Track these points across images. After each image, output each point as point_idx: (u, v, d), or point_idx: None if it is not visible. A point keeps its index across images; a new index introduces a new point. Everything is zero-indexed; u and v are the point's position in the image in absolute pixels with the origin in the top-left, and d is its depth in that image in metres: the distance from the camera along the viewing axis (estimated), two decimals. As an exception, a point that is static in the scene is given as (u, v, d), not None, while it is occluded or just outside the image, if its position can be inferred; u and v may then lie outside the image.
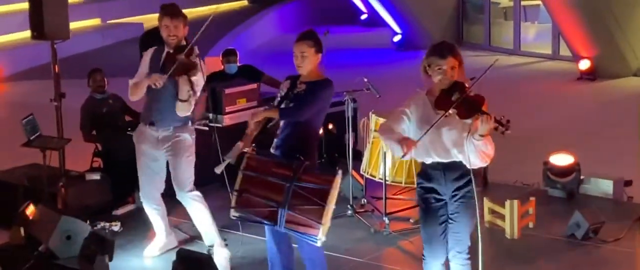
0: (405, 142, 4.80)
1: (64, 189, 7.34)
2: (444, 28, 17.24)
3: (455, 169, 5.00)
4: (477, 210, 5.06)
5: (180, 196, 6.48)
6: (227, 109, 8.11)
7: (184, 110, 6.30)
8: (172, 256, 5.86)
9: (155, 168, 6.50)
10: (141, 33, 9.55)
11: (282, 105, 5.58)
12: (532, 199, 7.31)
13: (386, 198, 7.27)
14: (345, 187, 7.36)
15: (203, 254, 6.03)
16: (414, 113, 4.99)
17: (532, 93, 13.51)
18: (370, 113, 7.42)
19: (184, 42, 6.41)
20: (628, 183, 7.97)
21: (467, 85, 4.90)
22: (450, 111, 4.80)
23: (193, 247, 6.54)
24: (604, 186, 7.92)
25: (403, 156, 4.82)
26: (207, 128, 7.86)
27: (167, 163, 6.48)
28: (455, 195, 5.05)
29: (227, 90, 8.14)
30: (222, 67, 9.15)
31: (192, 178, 6.48)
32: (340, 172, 5.30)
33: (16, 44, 16.33)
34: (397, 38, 17.67)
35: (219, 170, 5.61)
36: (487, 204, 7.29)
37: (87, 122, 8.38)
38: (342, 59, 15.28)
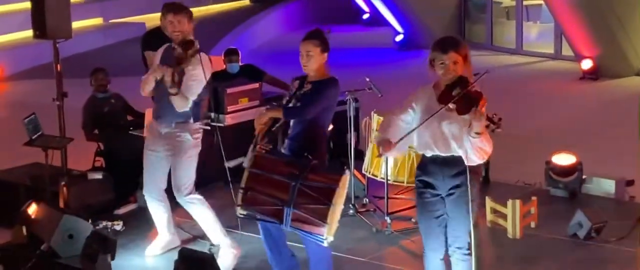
0: (383, 144, 5.00)
1: (66, 188, 7.34)
2: (446, 27, 17.22)
3: (454, 165, 5.01)
4: (472, 207, 5.05)
5: (178, 199, 6.46)
6: (229, 109, 8.12)
7: (177, 104, 6.22)
8: (174, 255, 5.86)
9: (157, 162, 6.47)
10: (143, 32, 9.52)
11: (289, 105, 5.59)
12: (534, 198, 7.30)
13: (388, 197, 7.28)
14: (347, 186, 7.35)
15: (205, 253, 6.03)
16: (419, 105, 5.03)
17: (534, 93, 13.51)
18: (372, 113, 7.42)
19: (191, 38, 6.35)
20: (630, 183, 7.96)
21: (470, 81, 4.90)
22: (450, 106, 4.81)
23: (196, 247, 6.54)
24: (606, 186, 7.92)
25: (379, 156, 5.16)
26: (208, 127, 7.85)
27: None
28: (451, 192, 5.07)
29: (229, 90, 8.15)
30: (224, 66, 9.15)
31: (191, 181, 6.42)
32: (348, 171, 5.31)
33: (18, 43, 16.34)
34: (399, 37, 17.66)
35: (230, 164, 5.61)
36: (489, 203, 7.29)
37: (89, 122, 8.38)
38: (344, 59, 15.27)
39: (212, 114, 8.11)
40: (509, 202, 7.01)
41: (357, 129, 8.02)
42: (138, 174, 7.59)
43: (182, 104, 6.24)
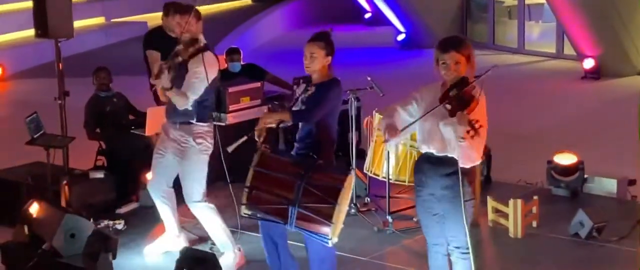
0: (389, 130, 4.95)
1: (67, 187, 7.34)
2: (448, 27, 17.20)
3: (446, 165, 5.03)
4: (466, 207, 5.05)
5: (188, 205, 6.39)
6: (231, 108, 8.11)
7: (176, 101, 6.16)
8: (176, 254, 5.86)
9: (163, 163, 6.43)
10: (145, 32, 9.53)
11: (295, 108, 5.60)
12: (536, 198, 7.31)
13: (389, 197, 7.28)
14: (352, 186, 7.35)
15: (207, 253, 6.03)
16: (424, 99, 5.05)
17: (536, 92, 13.50)
18: (373, 112, 7.42)
19: (202, 38, 6.30)
20: (632, 182, 7.96)
21: (470, 82, 4.90)
22: (447, 106, 4.82)
23: (199, 246, 6.54)
24: (608, 185, 7.91)
25: (385, 142, 5.01)
26: (209, 129, 7.84)
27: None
28: (444, 193, 5.08)
29: (231, 89, 8.14)
30: (226, 65, 9.15)
31: (200, 189, 6.31)
32: (353, 171, 5.31)
33: (20, 43, 16.34)
34: (401, 37, 17.65)
35: (230, 148, 5.60)
36: (490, 203, 7.29)
37: (91, 120, 8.39)
38: (346, 58, 15.25)
39: (214, 113, 8.10)
40: (511, 202, 7.01)
41: (358, 128, 8.02)
42: (140, 173, 7.62)
43: (181, 102, 6.16)
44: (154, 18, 16.14)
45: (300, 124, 5.61)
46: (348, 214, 7.31)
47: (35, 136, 7.60)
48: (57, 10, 7.56)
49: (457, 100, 4.80)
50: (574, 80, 14.23)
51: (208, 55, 6.23)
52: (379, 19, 19.26)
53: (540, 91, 13.54)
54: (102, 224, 7.15)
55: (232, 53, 9.25)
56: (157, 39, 8.11)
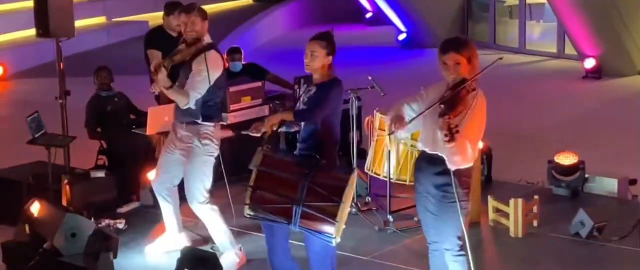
0: (395, 122, 4.98)
1: (68, 187, 7.35)
2: (449, 26, 17.21)
3: (437, 164, 5.06)
4: (459, 208, 5.06)
5: (191, 206, 6.38)
6: (232, 107, 8.12)
7: (176, 99, 6.16)
8: (177, 253, 5.86)
9: (169, 161, 6.41)
10: (146, 31, 9.54)
11: (297, 108, 5.60)
12: (537, 197, 7.31)
13: (390, 196, 7.28)
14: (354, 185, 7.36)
15: (208, 252, 6.03)
16: (429, 97, 5.07)
17: (537, 91, 13.50)
18: (374, 111, 7.42)
19: (208, 38, 6.27)
20: (633, 182, 7.96)
21: (467, 83, 4.90)
22: (441, 106, 4.83)
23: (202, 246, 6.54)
24: (609, 185, 7.91)
25: (391, 133, 5.06)
26: (211, 133, 7.84)
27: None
28: (437, 193, 5.11)
29: (232, 88, 8.15)
30: (227, 65, 9.15)
31: (203, 190, 6.27)
32: (356, 170, 5.31)
33: (21, 42, 16.34)
34: (402, 36, 17.65)
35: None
36: (491, 202, 7.30)
37: (92, 120, 8.39)
38: (347, 57, 15.26)
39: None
40: (511, 201, 7.02)
41: (359, 128, 8.02)
42: (141, 172, 7.63)
43: (181, 100, 6.14)
44: (155, 18, 16.15)
45: (302, 124, 5.61)
46: (349, 213, 7.33)
47: (36, 135, 7.60)
48: (58, 10, 7.56)
49: (447, 102, 4.82)
50: (574, 80, 14.22)
51: (211, 54, 6.19)
52: (380, 18, 19.26)
53: (541, 91, 13.54)
54: (103, 223, 7.15)
55: (233, 52, 9.25)
56: (158, 38, 8.12)
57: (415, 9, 17.17)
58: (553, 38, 16.28)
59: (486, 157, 8.20)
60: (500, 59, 5.04)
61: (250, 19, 19.23)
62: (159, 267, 6.57)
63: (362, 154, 8.10)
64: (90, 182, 7.72)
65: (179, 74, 6.28)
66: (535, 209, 7.25)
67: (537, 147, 9.75)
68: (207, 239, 6.75)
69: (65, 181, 7.37)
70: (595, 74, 14.20)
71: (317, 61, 5.52)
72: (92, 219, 6.63)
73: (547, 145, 9.34)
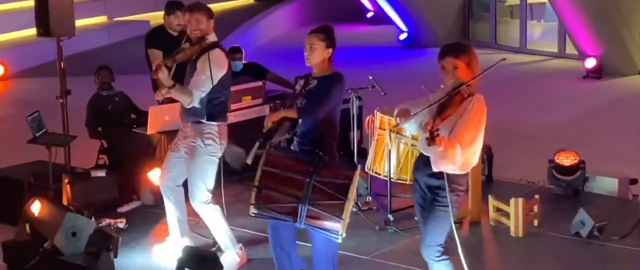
0: (401, 114, 5.05)
1: (69, 186, 7.35)
2: (450, 26, 17.22)
3: (430, 165, 5.06)
4: (442, 216, 5.07)
5: (193, 205, 6.36)
6: (232, 107, 8.12)
7: (179, 98, 6.14)
8: (178, 253, 5.86)
9: (174, 161, 6.40)
10: (147, 31, 9.54)
11: (297, 103, 5.59)
12: (537, 197, 7.31)
13: (391, 195, 7.28)
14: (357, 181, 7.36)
15: (209, 251, 6.04)
16: (434, 99, 5.06)
17: (537, 91, 13.50)
18: (375, 111, 7.42)
19: (213, 36, 6.22)
20: (633, 181, 7.97)
21: (462, 88, 4.92)
22: (436, 109, 4.85)
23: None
24: (609, 184, 7.91)
25: (396, 125, 5.18)
26: (215, 133, 7.84)
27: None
28: (429, 196, 5.13)
29: (232, 88, 8.12)
30: (228, 64, 9.15)
31: (205, 190, 6.23)
32: (359, 166, 5.31)
33: (22, 41, 16.35)
34: (403, 36, 17.65)
35: (249, 160, 5.57)
36: (492, 201, 7.30)
37: (93, 119, 8.40)
38: (348, 57, 15.26)
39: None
40: (512, 201, 7.02)
41: (360, 127, 8.03)
42: (141, 171, 7.63)
43: (185, 99, 6.12)
44: (156, 17, 16.16)
45: (301, 120, 5.60)
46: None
47: (37, 135, 7.60)
48: (59, 9, 7.57)
49: (441, 105, 4.84)
50: (575, 80, 14.23)
51: (215, 53, 6.14)
52: (381, 18, 19.27)
53: (542, 90, 13.55)
54: (104, 223, 7.15)
55: (234, 52, 9.25)
56: (159, 38, 8.12)
57: (416, 9, 17.17)
58: (554, 38, 16.28)
59: (487, 156, 8.21)
60: (504, 59, 5.04)
61: (251, 19, 19.24)
62: (160, 267, 6.57)
63: (363, 154, 8.10)
64: (91, 181, 7.72)
65: (184, 73, 6.27)
66: (535, 208, 7.25)
67: (538, 146, 9.75)
68: (214, 243, 6.72)
69: (66, 180, 7.37)
70: (596, 73, 14.21)
71: (316, 54, 5.52)
72: (93, 219, 6.63)
73: (548, 144, 9.33)
